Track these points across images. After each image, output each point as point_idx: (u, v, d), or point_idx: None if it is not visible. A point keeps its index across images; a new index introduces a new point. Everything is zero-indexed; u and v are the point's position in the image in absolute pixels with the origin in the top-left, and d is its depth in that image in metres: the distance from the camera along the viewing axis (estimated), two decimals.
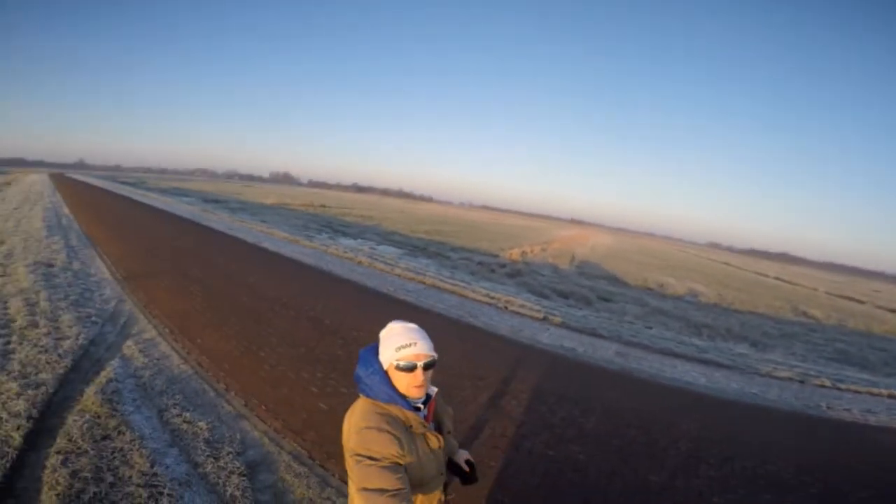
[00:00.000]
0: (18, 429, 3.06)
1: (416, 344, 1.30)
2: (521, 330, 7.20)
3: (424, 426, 1.33)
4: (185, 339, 5.27)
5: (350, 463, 1.20)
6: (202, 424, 3.48)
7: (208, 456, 3.09)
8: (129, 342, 5.09)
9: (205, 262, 9.93)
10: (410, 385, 1.28)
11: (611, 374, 5.72)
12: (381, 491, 1.10)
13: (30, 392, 3.62)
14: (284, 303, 7.08)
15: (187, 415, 3.60)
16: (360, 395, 1.34)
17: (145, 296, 6.89)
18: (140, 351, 4.85)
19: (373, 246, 18.32)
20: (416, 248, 20.47)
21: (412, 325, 1.38)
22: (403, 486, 1.14)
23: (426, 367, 1.30)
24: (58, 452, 2.90)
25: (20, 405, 3.38)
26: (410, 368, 1.27)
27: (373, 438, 1.19)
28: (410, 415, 1.29)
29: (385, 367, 1.32)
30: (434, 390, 1.45)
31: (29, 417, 3.24)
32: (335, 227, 24.56)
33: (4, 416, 3.20)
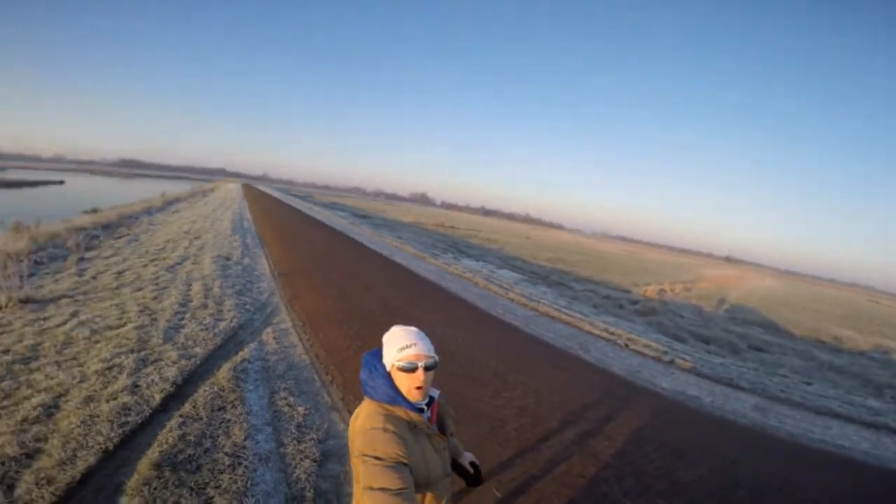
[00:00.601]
0: (162, 392, 3.51)
1: (416, 345, 1.31)
2: (637, 371, 6.35)
3: (429, 427, 1.34)
4: (311, 332, 5.66)
5: (356, 463, 1.20)
6: (300, 409, 3.64)
7: (294, 438, 3.22)
8: (268, 329, 5.63)
9: (344, 267, 10.85)
10: (412, 386, 1.29)
11: (737, 428, 4.82)
12: (386, 490, 1.10)
13: (182, 362, 4.16)
14: (402, 312, 7.30)
15: (292, 399, 3.80)
16: (365, 398, 1.34)
17: (291, 291, 7.70)
18: (274, 338, 5.32)
19: (492, 269, 18.11)
20: (537, 275, 19.68)
21: (413, 328, 1.39)
22: (407, 486, 1.13)
23: (427, 368, 1.30)
24: (180, 416, 3.24)
25: (172, 372, 3.89)
26: (412, 369, 1.28)
27: (378, 439, 1.19)
28: (414, 415, 1.29)
29: (388, 368, 1.33)
30: (437, 392, 1.46)
31: (174, 383, 3.70)
32: (460, 247, 25.06)
33: (157, 379, 3.70)
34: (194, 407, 3.35)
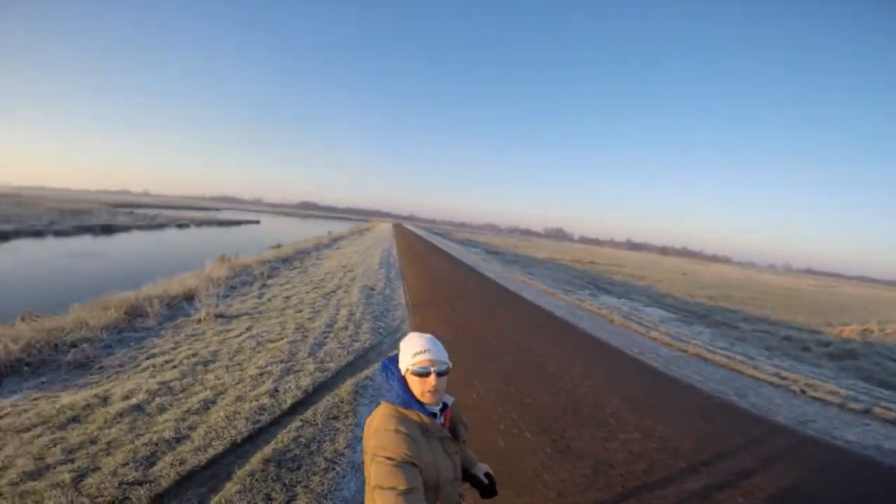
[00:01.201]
0: (293, 398, 3.97)
1: (429, 351, 1.34)
2: (811, 420, 5.07)
3: (441, 431, 1.34)
4: None
5: (368, 463, 1.23)
6: None
7: None
8: (394, 352, 5.90)
9: (470, 300, 11.05)
10: (425, 390, 1.31)
11: None
12: (394, 489, 1.12)
13: (317, 374, 4.62)
14: (518, 345, 7.06)
15: None
16: (382, 401, 1.38)
17: (420, 319, 8.09)
18: None
19: (637, 307, 16.32)
20: (692, 313, 17.12)
21: (428, 335, 1.41)
22: (415, 485, 1.15)
23: (439, 373, 1.33)
24: (301, 420, 3.58)
25: (306, 381, 4.35)
26: (424, 374, 1.31)
27: (389, 439, 1.21)
28: (427, 419, 1.31)
29: (403, 372, 1.36)
30: (451, 399, 1.47)
31: (305, 392, 4.14)
32: (599, 284, 23.30)
33: (293, 387, 4.18)
34: (314, 413, 3.69)
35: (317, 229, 46.75)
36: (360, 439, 3.40)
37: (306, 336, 6.16)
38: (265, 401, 3.76)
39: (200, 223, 42.86)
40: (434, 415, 1.36)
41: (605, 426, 4.22)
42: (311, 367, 4.81)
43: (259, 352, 5.28)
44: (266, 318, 7.15)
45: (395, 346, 6.34)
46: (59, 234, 24.21)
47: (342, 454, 3.16)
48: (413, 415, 1.30)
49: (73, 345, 4.94)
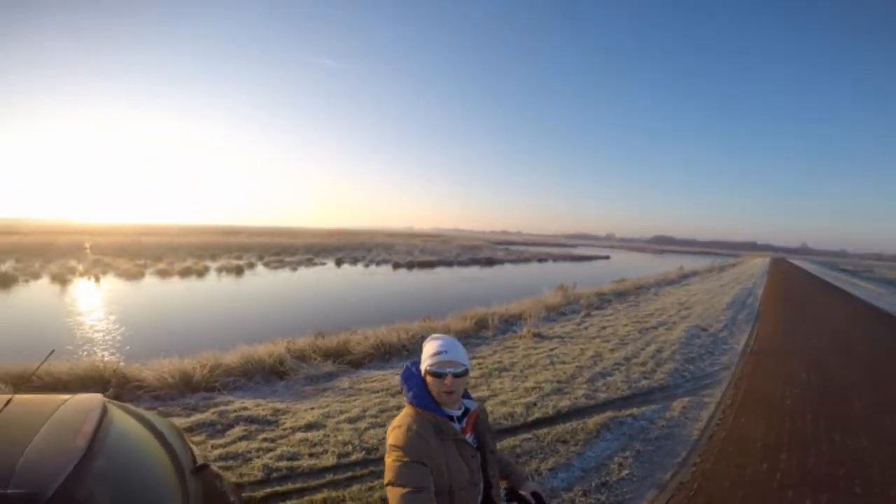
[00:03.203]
0: (542, 414, 4.15)
1: (447, 352, 1.32)
2: None
3: (458, 434, 1.30)
4: (730, 415, 4.60)
5: (386, 459, 1.27)
6: (625, 472, 3.27)
7: (583, 492, 2.99)
8: (686, 398, 5.08)
9: (848, 351, 7.60)
10: (441, 390, 1.30)
11: None
12: (402, 486, 1.13)
13: (581, 399, 4.72)
14: None
15: (630, 461, 3.43)
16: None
17: (749, 370, 6.45)
18: (683, 408, 4.76)
19: None
20: None
21: (449, 337, 1.39)
22: (423, 485, 1.14)
23: (456, 374, 1.31)
24: (533, 434, 3.72)
25: (564, 403, 4.55)
26: (441, 374, 1.30)
27: (402, 437, 1.22)
28: (443, 421, 1.29)
29: (423, 374, 1.36)
30: (474, 405, 1.43)
31: (557, 411, 4.31)
32: None
33: (549, 405, 4.45)
34: (546, 433, 3.76)
35: (668, 265, 42.99)
36: (570, 467, 3.30)
37: (597, 363, 6.16)
38: (518, 410, 4.19)
39: (556, 258, 48.23)
40: (451, 418, 1.33)
41: None
42: (580, 392, 4.86)
43: (546, 369, 5.80)
44: (572, 343, 7.60)
45: (693, 392, 5.42)
46: (460, 264, 34.35)
47: (541, 476, 3.13)
48: (428, 416, 1.29)
49: None
